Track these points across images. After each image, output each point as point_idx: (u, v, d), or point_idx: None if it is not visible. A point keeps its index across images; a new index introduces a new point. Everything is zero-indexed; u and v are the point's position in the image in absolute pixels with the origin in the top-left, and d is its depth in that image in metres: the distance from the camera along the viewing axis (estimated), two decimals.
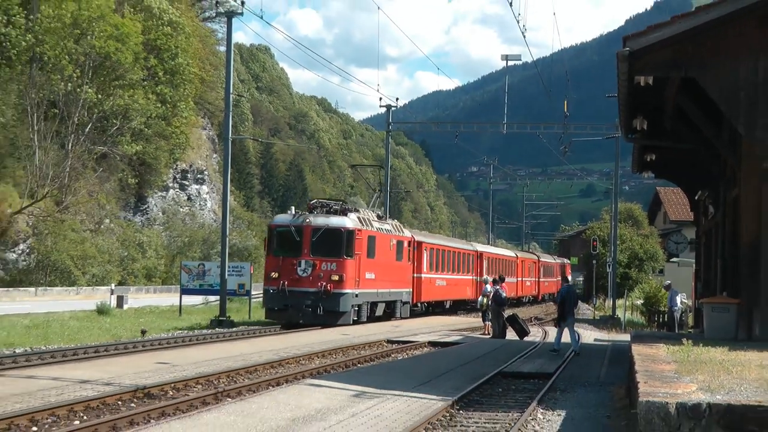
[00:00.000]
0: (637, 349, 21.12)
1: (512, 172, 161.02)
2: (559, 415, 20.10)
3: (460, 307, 70.95)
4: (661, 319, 55.01)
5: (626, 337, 39.45)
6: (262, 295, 53.41)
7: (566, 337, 35.28)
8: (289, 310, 40.67)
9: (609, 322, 66.49)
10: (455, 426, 19.43)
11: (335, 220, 41.12)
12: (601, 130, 76.43)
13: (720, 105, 25.26)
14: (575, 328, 38.28)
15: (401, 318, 50.68)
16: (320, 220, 41.47)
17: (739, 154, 26.14)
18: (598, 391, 24.12)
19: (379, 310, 46.34)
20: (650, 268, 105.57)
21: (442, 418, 19.84)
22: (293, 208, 50.43)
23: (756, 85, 24.24)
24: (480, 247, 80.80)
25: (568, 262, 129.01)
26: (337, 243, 40.21)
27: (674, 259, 75.39)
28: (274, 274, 40.07)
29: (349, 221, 40.98)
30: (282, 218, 43.87)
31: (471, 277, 73.10)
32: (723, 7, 24.95)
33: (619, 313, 72.78)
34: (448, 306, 67.51)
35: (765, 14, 24.05)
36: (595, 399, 22.70)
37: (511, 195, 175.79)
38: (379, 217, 49.05)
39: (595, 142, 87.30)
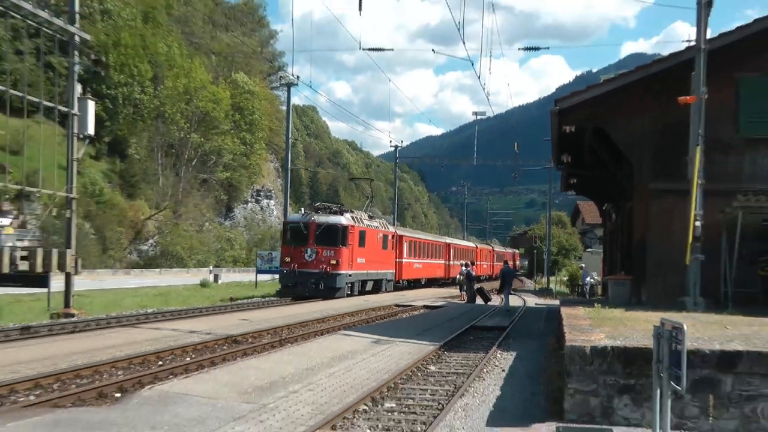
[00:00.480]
0: (564, 311, 21.08)
1: (479, 191, 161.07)
2: (512, 354, 20.10)
3: (433, 283, 68.61)
4: (579, 290, 55.25)
5: (556, 302, 39.29)
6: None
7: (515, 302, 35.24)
8: (298, 286, 40.65)
9: (545, 292, 66.59)
10: (442, 362, 19.42)
11: (333, 219, 41.68)
12: (539, 163, 78.40)
13: (620, 147, 25.24)
14: (509, 295, 40.23)
15: (386, 291, 50.29)
16: (322, 218, 41.88)
17: (632, 179, 26.18)
18: (538, 339, 24.11)
19: (369, 286, 46.52)
20: (572, 256, 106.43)
21: (434, 356, 19.94)
22: (303, 209, 51.67)
23: (644, 134, 24.22)
24: (448, 240, 79.43)
25: (518, 251, 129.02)
26: (335, 236, 40.79)
27: (589, 250, 76.07)
28: (288, 259, 40.91)
29: (344, 219, 41.64)
30: (294, 217, 44.25)
31: (442, 262, 72.33)
32: (619, 80, 25.03)
33: (552, 286, 72.97)
34: (423, 282, 65.62)
35: (646, 88, 24.10)
36: (536, 344, 22.68)
37: (479, 206, 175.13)
38: (370, 217, 49.12)
39: (536, 171, 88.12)
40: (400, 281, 56.46)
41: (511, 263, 54.63)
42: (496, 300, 46.50)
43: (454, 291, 55.57)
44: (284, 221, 44.65)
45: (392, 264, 51.96)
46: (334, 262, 40.21)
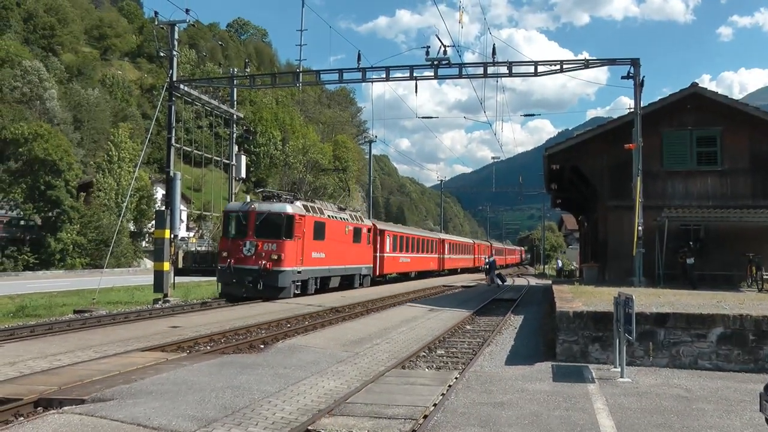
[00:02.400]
0: (555, 287, 20.90)
1: (497, 209, 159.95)
2: (521, 317, 19.92)
3: (427, 275, 50.22)
4: (565, 274, 54.78)
5: (549, 282, 38.91)
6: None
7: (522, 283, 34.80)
8: (235, 286, 24.88)
9: (541, 276, 65.93)
10: (474, 322, 19.28)
11: (277, 207, 25.59)
12: (536, 189, 77.18)
13: (588, 177, 25.11)
14: (495, 276, 39.21)
15: (361, 287, 33.41)
16: (264, 206, 25.73)
17: (597, 199, 25.98)
18: (538, 306, 23.87)
19: (334, 283, 29.99)
20: (559, 251, 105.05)
21: (469, 319, 19.77)
22: (248, 196, 32.88)
23: (603, 169, 24.08)
24: (443, 236, 59.80)
25: (524, 248, 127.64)
26: (278, 226, 25.08)
27: (570, 246, 75.24)
28: (225, 254, 25.23)
29: (290, 207, 25.49)
30: (233, 205, 27.22)
31: (435, 256, 53.28)
32: (587, 134, 25.12)
33: (546, 271, 72.21)
34: (413, 276, 47.07)
35: (604, 139, 23.98)
36: (537, 310, 22.46)
37: (497, 219, 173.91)
38: (341, 209, 32.88)
39: (534, 194, 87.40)
40: (385, 276, 40.48)
41: (500, 257, 52.51)
42: (509, 281, 46.02)
43: (443, 282, 43.30)
44: (224, 210, 27.58)
45: (369, 258, 35.57)
46: (275, 257, 24.62)
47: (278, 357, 11.81)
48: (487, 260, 44.88)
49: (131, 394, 8.53)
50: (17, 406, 8.06)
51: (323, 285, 28.44)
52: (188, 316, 17.95)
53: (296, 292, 25.29)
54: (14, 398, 8.25)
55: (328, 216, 29.07)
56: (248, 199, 27.16)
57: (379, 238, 37.45)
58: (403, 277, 45.24)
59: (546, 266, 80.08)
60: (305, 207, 26.71)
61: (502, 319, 19.26)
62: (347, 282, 31.73)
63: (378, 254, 37.54)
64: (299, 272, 25.42)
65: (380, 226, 39.25)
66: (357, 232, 32.75)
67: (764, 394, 6.15)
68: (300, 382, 9.68)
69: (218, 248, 27.79)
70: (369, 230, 34.94)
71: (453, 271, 59.65)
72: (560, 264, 51.32)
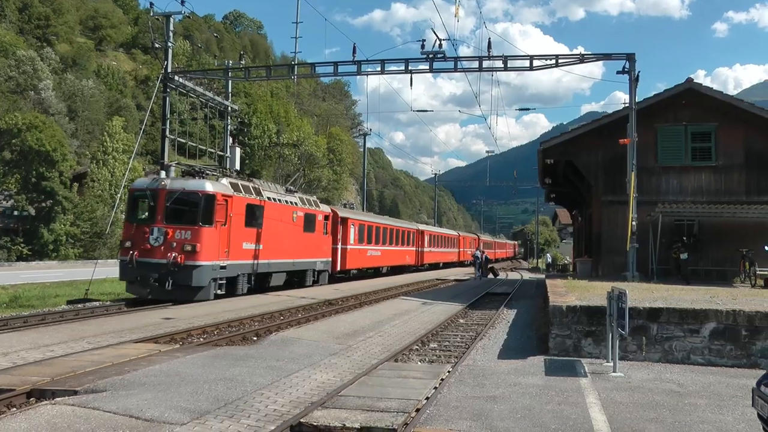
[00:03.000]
0: (548, 281, 20.99)
1: (491, 202, 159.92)
2: (514, 311, 19.96)
3: (403, 270, 45.08)
4: (559, 268, 54.98)
5: (543, 276, 38.98)
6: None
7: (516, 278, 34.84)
8: (138, 284, 19.32)
9: (535, 270, 66.08)
10: (467, 316, 19.37)
11: (194, 183, 19.99)
12: (531, 184, 77.30)
13: (582, 172, 25.12)
14: (479, 270, 39.74)
15: (315, 285, 27.99)
16: (178, 183, 20.11)
17: (591, 194, 26.01)
18: (531, 300, 23.94)
19: (276, 280, 24.25)
20: (553, 245, 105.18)
21: (462, 313, 19.85)
22: (163, 172, 21.81)
23: (597, 164, 24.08)
24: (422, 227, 52.83)
25: (517, 242, 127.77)
26: (193, 209, 19.67)
27: (564, 241, 75.30)
28: (128, 244, 19.49)
29: (209, 185, 20.04)
30: (141, 182, 21.36)
31: (412, 249, 46.98)
32: (581, 129, 25.06)
33: (539, 265, 72.32)
34: (385, 271, 41.41)
35: (598, 134, 23.99)
36: (530, 303, 22.53)
37: (491, 213, 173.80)
38: (289, 191, 26.88)
39: (528, 189, 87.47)
40: (348, 271, 34.36)
41: (489, 251, 52.06)
42: (501, 275, 46.11)
43: (421, 277, 39.01)
44: (129, 187, 22.17)
45: (328, 250, 29.73)
46: (189, 247, 19.03)
47: (271, 349, 11.81)
48: (474, 254, 44.30)
49: (124, 385, 8.52)
50: (10, 396, 8.03)
51: (261, 283, 23.22)
52: (181, 308, 17.92)
53: (218, 292, 20.02)
54: (7, 389, 8.23)
55: (268, 198, 23.50)
56: (163, 175, 20.76)
57: (341, 227, 32.20)
58: (374, 272, 39.79)
59: (539, 260, 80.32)
60: (234, 185, 21.29)
61: (495, 313, 19.29)
62: (297, 279, 26.66)
63: (340, 246, 32.06)
64: (223, 267, 20.07)
65: (343, 213, 33.87)
66: (309, 220, 27.19)
67: (756, 389, 6.17)
68: (293, 375, 9.68)
69: (122, 237, 21.10)
70: (326, 218, 29.44)
71: (434, 266, 54.90)
72: (550, 259, 51.45)
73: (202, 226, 19.35)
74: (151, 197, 19.69)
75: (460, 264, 63.19)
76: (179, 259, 18.74)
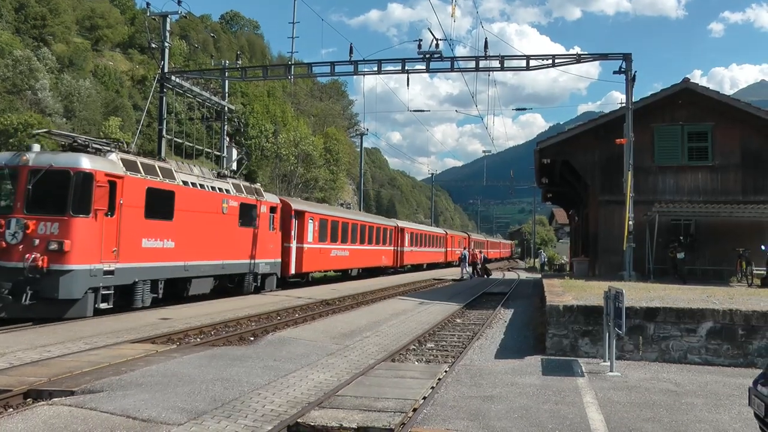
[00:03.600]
0: (545, 281, 20.99)
1: (488, 202, 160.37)
2: (511, 311, 19.98)
3: (379, 273, 39.98)
4: (556, 267, 54.86)
5: (539, 276, 39.00)
6: None
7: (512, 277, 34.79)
8: None
9: (531, 269, 66.08)
10: (465, 316, 19.35)
11: (65, 158, 14.50)
12: (527, 183, 77.36)
13: (580, 172, 25.13)
14: (464, 269, 39.74)
15: (266, 292, 23.84)
16: (45, 158, 14.54)
17: (588, 193, 26.04)
18: (528, 300, 23.95)
19: (197, 288, 19.21)
20: (550, 244, 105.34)
21: (459, 312, 19.83)
22: (36, 145, 15.58)
23: (594, 163, 24.12)
24: (402, 224, 47.10)
25: (514, 242, 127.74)
26: (62, 193, 14.10)
27: (561, 240, 75.35)
28: None
29: (87, 160, 14.51)
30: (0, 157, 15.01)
31: (389, 248, 41.54)
32: (578, 129, 25.06)
33: (536, 265, 72.38)
34: (355, 274, 35.78)
35: (595, 133, 24.04)
36: (527, 303, 22.53)
37: (488, 212, 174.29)
38: (221, 175, 21.81)
39: (525, 188, 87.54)
40: (305, 275, 29.44)
41: (479, 251, 50.28)
42: (498, 275, 46.10)
43: (398, 281, 34.61)
44: None
45: (276, 250, 24.69)
46: (56, 245, 13.86)
47: (268, 349, 11.80)
48: (464, 253, 43.72)
49: (121, 386, 8.50)
50: (7, 397, 8.02)
51: (178, 290, 18.72)
52: (178, 308, 17.89)
53: (102, 306, 15.13)
54: (4, 389, 8.22)
55: (184, 183, 18.50)
56: (36, 148, 15.39)
57: (295, 222, 27.11)
58: (343, 275, 35.14)
59: (536, 260, 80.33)
60: (128, 163, 16.17)
61: (492, 313, 19.29)
62: (235, 284, 21.98)
63: (294, 245, 26.96)
64: (109, 272, 15.20)
65: (298, 205, 28.51)
66: (248, 212, 22.13)
67: (753, 388, 6.17)
68: (290, 375, 9.67)
69: None
70: (273, 210, 24.40)
71: (418, 267, 50.15)
72: (544, 258, 51.33)
73: (74, 217, 14.33)
74: (9, 178, 14.62)
75: (448, 265, 58.55)
76: (41, 262, 13.76)
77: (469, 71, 24.51)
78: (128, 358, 10.44)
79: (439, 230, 62.03)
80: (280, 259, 25.17)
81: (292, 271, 26.99)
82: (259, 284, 23.47)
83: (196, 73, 30.95)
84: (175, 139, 27.66)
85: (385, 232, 40.67)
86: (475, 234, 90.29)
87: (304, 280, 29.71)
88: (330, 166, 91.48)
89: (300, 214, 27.75)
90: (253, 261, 22.62)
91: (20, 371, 9.31)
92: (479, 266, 44.06)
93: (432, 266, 54.65)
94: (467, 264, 41.11)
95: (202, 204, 19.44)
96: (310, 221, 28.75)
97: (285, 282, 26.91)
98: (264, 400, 8.12)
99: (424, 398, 8.43)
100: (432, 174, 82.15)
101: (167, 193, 17.65)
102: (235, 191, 21.64)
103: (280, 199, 26.33)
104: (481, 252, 44.26)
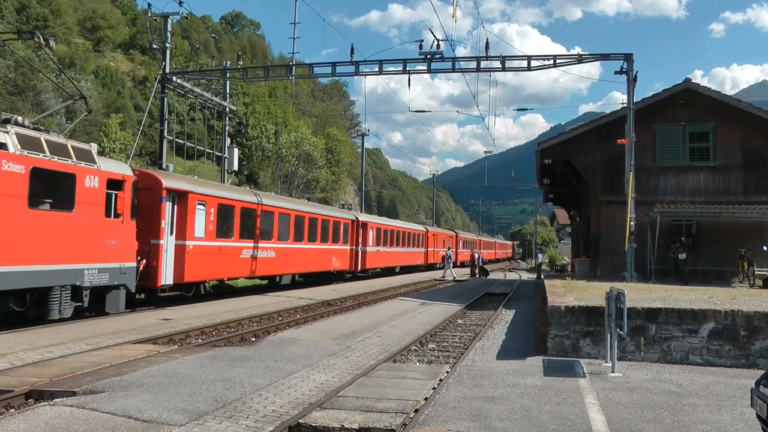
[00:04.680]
0: (547, 282, 21.03)
1: (489, 203, 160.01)
2: (512, 311, 19.97)
3: (332, 278, 31.37)
4: (555, 269, 54.70)
5: (533, 276, 38.96)
6: None
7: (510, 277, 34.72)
8: None
9: (533, 270, 65.99)
10: (466, 316, 19.36)
11: None
12: (529, 184, 77.40)
13: (581, 172, 25.13)
14: (449, 269, 39.95)
15: (108, 316, 15.33)
16: None
17: (589, 194, 26.04)
18: (529, 301, 23.94)
19: None
20: (551, 245, 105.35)
21: (461, 313, 19.83)
22: None
23: (596, 164, 24.12)
24: (364, 217, 37.21)
25: (513, 242, 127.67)
26: None
27: (562, 241, 75.34)
28: None
29: None
30: None
31: (346, 248, 32.42)
32: (579, 129, 25.06)
33: (533, 265, 72.46)
34: (290, 282, 26.58)
35: (597, 134, 24.05)
36: (528, 304, 22.52)
37: (489, 213, 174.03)
38: (37, 128, 13.36)
39: (526, 189, 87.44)
40: (192, 285, 19.68)
41: (467, 252, 50.78)
42: (496, 275, 46.09)
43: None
44: None
45: (126, 249, 15.62)
46: None
47: (269, 350, 11.79)
48: (448, 253, 43.14)
49: (122, 386, 8.50)
50: (8, 397, 8.01)
51: None
52: (180, 308, 17.88)
53: None
54: (5, 390, 8.21)
55: None
56: None
57: (168, 206, 18.27)
58: (270, 283, 26.63)
59: (540, 259, 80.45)
60: None
61: (493, 314, 19.29)
62: (29, 306, 13.21)
63: (169, 242, 18.21)
64: None
65: (173, 182, 18.66)
66: (58, 185, 13.58)
67: (755, 389, 6.16)
68: (291, 376, 9.67)
69: None
70: (119, 185, 15.43)
71: (390, 271, 42.45)
72: (541, 258, 51.10)
73: None
74: None
75: (429, 268, 51.06)
76: None
77: (470, 72, 24.50)
78: (130, 359, 10.44)
79: (419, 227, 51.92)
80: (134, 263, 16.18)
81: (165, 281, 18.06)
82: (85, 304, 14.58)
83: (198, 74, 30.96)
84: (176, 139, 27.66)
85: (337, 227, 31.42)
86: (465, 232, 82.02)
87: (190, 292, 19.95)
88: (331, 167, 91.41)
89: (180, 196, 18.80)
90: (67, 267, 13.83)
91: (22, 372, 9.30)
92: (477, 267, 44.43)
93: (408, 269, 46.03)
94: (452, 264, 41.23)
95: None
96: (200, 208, 19.58)
97: (156, 297, 18.51)
98: (265, 401, 8.12)
99: (426, 399, 8.42)
100: (433, 174, 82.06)
101: None
102: (20, 146, 12.56)
103: (137, 172, 17.19)
104: (479, 253, 44.15)
